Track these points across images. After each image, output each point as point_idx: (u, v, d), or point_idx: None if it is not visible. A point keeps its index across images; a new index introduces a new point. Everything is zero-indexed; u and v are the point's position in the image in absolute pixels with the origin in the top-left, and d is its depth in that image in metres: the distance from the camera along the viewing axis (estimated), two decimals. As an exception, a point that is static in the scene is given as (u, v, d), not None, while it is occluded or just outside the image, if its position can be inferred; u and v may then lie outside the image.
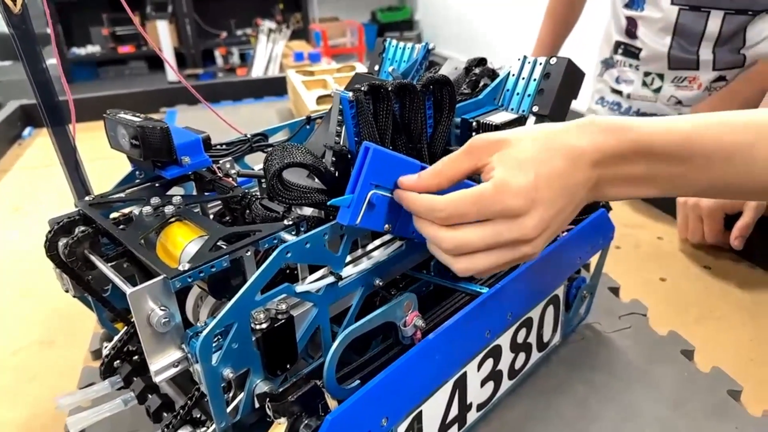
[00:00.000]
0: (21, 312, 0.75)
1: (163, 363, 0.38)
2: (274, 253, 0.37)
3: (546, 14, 1.27)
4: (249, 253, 0.40)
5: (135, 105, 1.63)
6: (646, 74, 1.09)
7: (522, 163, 0.38)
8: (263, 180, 0.49)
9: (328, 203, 0.39)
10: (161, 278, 0.36)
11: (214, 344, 0.37)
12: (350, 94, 0.42)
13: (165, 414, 0.46)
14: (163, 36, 3.14)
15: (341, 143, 0.45)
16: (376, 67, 0.69)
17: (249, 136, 0.58)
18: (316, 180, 0.45)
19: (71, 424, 0.44)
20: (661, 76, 1.07)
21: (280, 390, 0.36)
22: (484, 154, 0.39)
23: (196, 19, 4.07)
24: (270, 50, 3.48)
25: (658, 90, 1.08)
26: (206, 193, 0.52)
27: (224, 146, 0.56)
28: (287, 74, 1.39)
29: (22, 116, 1.47)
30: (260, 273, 0.37)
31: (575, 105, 1.36)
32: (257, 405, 0.38)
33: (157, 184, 0.51)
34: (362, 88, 0.43)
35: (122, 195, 0.49)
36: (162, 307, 0.36)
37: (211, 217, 0.51)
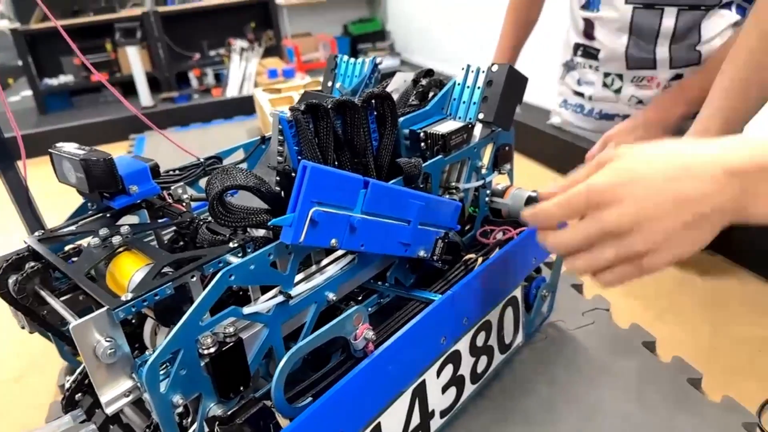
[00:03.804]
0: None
1: (113, 393, 0.38)
2: (217, 277, 0.38)
3: (506, 17, 1.29)
4: (194, 278, 0.41)
5: (106, 133, 1.63)
6: (606, 75, 1.10)
7: (621, 167, 0.39)
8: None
9: (269, 223, 0.40)
10: (104, 309, 0.36)
11: (162, 371, 0.38)
12: (288, 114, 0.43)
13: (125, 444, 0.46)
14: (134, 61, 3.13)
15: (284, 162, 0.46)
16: (329, 84, 0.70)
17: (202, 159, 0.58)
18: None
19: (30, 461, 0.44)
20: (620, 77, 1.08)
21: (229, 413, 0.37)
22: (605, 164, 0.41)
23: (168, 42, 4.06)
24: (244, 69, 3.49)
25: (618, 90, 1.10)
26: (159, 221, 0.52)
27: (177, 171, 0.56)
28: (254, 93, 1.40)
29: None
30: (203, 298, 0.37)
31: (542, 102, 1.37)
32: (206, 430, 0.38)
33: (108, 215, 0.51)
34: (300, 108, 0.43)
35: (73, 228, 0.49)
36: (107, 338, 0.37)
37: (165, 243, 0.52)
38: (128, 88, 3.67)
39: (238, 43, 3.61)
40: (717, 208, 0.37)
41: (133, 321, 0.48)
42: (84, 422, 0.49)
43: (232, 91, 3.31)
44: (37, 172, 0.51)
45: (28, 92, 3.99)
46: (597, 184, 0.39)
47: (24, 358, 0.71)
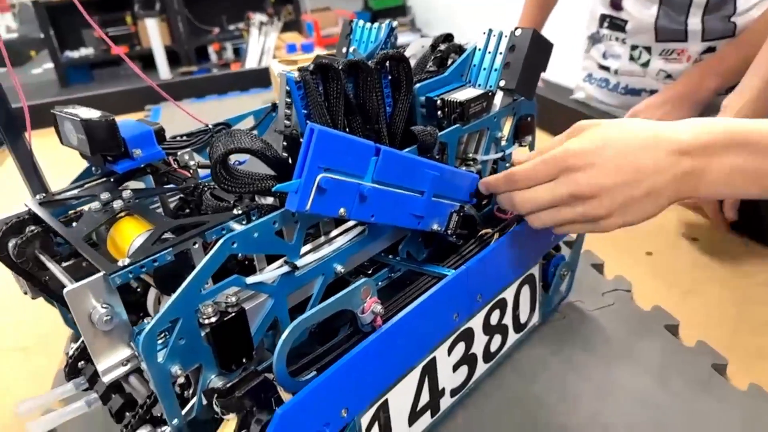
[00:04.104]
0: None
1: (110, 362, 0.37)
2: (218, 244, 0.36)
3: None
4: (196, 245, 0.39)
5: (124, 104, 1.62)
6: (633, 48, 1.05)
7: (595, 135, 0.43)
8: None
9: (273, 189, 0.38)
10: (100, 275, 0.35)
11: (160, 341, 0.36)
12: (296, 73, 0.40)
13: (127, 413, 0.45)
14: (153, 34, 3.12)
15: (291, 127, 0.44)
16: (344, 50, 0.67)
17: (211, 126, 0.56)
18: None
19: (30, 429, 0.43)
20: (648, 50, 1.04)
21: (228, 385, 0.35)
22: (580, 132, 0.45)
23: (188, 16, 4.04)
24: (262, 43, 3.46)
25: (646, 64, 1.05)
26: (165, 187, 0.51)
27: (184, 137, 0.54)
28: (269, 65, 1.38)
29: None
30: (203, 265, 0.35)
31: (564, 81, 1.33)
32: (204, 402, 0.37)
33: (112, 179, 0.49)
34: (309, 68, 0.41)
35: (76, 192, 0.48)
36: (104, 305, 0.35)
37: (171, 210, 0.50)
38: (148, 61, 3.68)
39: (258, 17, 3.58)
40: (670, 182, 0.41)
41: (138, 289, 0.47)
42: (87, 390, 0.48)
43: (251, 66, 3.29)
44: (51, 142, 0.50)
45: (50, 65, 4.01)
46: (573, 149, 0.42)
47: (31, 327, 0.71)
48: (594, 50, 1.15)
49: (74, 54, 4.03)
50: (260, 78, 1.66)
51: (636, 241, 0.75)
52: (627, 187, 0.41)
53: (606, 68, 1.12)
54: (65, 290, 0.34)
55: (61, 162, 0.49)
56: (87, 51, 4.05)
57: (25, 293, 0.48)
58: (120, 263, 0.35)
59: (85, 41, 4.07)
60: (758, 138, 0.39)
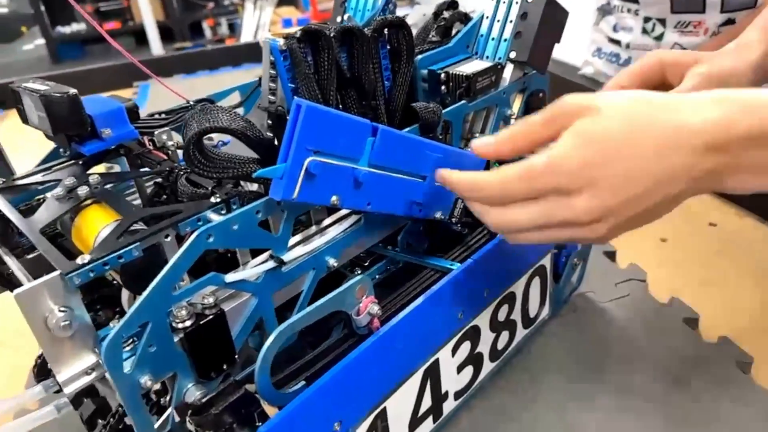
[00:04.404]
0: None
1: (72, 371, 0.32)
2: (191, 238, 0.31)
3: None
4: (169, 238, 0.34)
5: (113, 80, 1.56)
6: (647, 20, 1.00)
7: (594, 137, 0.30)
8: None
9: (254, 175, 0.33)
10: (56, 273, 0.30)
11: (127, 348, 0.32)
12: (281, 41, 0.35)
13: (99, 421, 0.41)
14: (144, 9, 3.02)
15: (277, 103, 0.39)
16: (338, 18, 0.62)
17: (192, 102, 0.51)
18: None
19: (-5, 436, 0.39)
20: (662, 22, 0.98)
21: (204, 400, 0.31)
22: (568, 121, 0.31)
23: (181, -11, 3.92)
24: (258, 18, 3.36)
25: (659, 37, 0.99)
26: (141, 171, 0.46)
27: (163, 115, 0.49)
28: (261, 39, 1.32)
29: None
30: (174, 262, 0.31)
31: (570, 59, 1.27)
32: (176, 419, 0.33)
33: (80, 162, 0.44)
34: (296, 35, 0.36)
35: (39, 177, 0.43)
36: (62, 308, 0.31)
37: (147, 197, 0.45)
38: (141, 37, 3.58)
39: (252, -9, 3.48)
40: (688, 184, 0.31)
41: (115, 281, 0.43)
42: (58, 392, 0.44)
43: (245, 41, 3.21)
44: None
45: (41, 41, 3.91)
46: (564, 166, 0.30)
47: (7, 321, 0.66)
48: (604, 23, 1.09)
49: (66, 30, 3.93)
50: (253, 52, 1.60)
51: (650, 226, 0.69)
52: (637, 201, 0.31)
53: (617, 42, 1.06)
54: (15, 293, 0.30)
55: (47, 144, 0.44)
56: (79, 26, 3.94)
57: (-13, 288, 0.44)
58: (79, 260, 0.31)
59: (76, 16, 3.96)
60: None
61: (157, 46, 3.30)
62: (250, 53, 1.60)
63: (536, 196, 0.32)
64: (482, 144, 0.35)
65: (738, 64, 0.45)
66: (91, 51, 4.10)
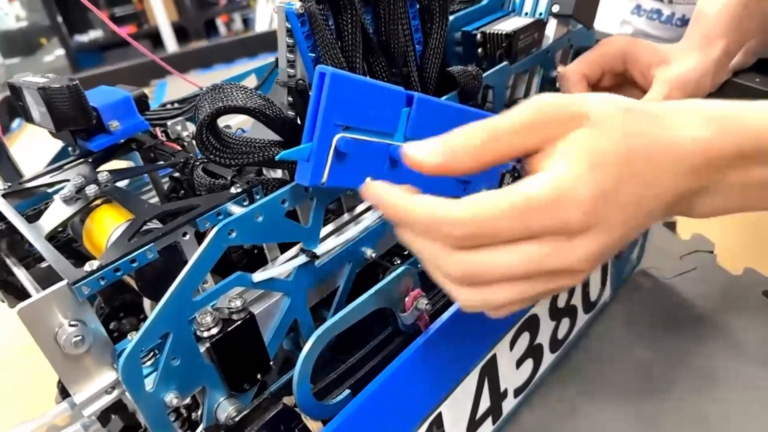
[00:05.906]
0: None
1: (89, 392, 0.29)
2: (211, 234, 0.27)
3: None
4: (187, 236, 0.30)
5: (132, 80, 1.55)
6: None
7: (603, 159, 0.23)
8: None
9: (277, 157, 0.29)
10: (62, 284, 0.27)
11: (148, 363, 0.28)
12: (297, 4, 0.31)
13: (130, 438, 0.37)
14: (158, 10, 3.02)
15: (296, 77, 0.34)
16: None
17: (205, 89, 0.47)
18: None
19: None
20: None
21: (237, 419, 0.27)
22: (559, 131, 0.24)
23: (193, -13, 3.91)
24: (271, 8, 3.33)
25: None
26: (155, 165, 0.42)
27: (175, 105, 0.46)
28: (274, 6, 1.28)
29: (9, 109, 1.41)
30: (193, 264, 0.27)
31: (604, 23, 1.19)
32: (209, 439, 0.29)
33: (90, 160, 0.41)
34: (314, -3, 0.31)
35: (47, 179, 0.40)
36: (72, 322, 0.27)
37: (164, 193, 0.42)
38: (156, 39, 3.59)
39: (264, -18, 3.44)
40: (667, 210, 0.26)
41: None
42: (86, 409, 0.41)
43: (261, 30, 3.18)
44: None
45: (62, 51, 3.96)
46: (577, 197, 0.23)
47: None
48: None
49: (84, 38, 3.97)
50: (268, 42, 1.56)
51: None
52: (630, 236, 0.25)
53: (656, -3, 0.99)
54: (17, 309, 0.26)
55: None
56: (96, 33, 3.98)
57: (2, 301, 0.41)
58: (87, 267, 0.27)
59: (93, 23, 4.00)
60: None
61: (172, 46, 3.30)
62: (264, 43, 1.56)
63: (527, 238, 0.23)
64: (421, 151, 0.25)
65: (702, 64, 0.45)
66: (109, 56, 4.14)
